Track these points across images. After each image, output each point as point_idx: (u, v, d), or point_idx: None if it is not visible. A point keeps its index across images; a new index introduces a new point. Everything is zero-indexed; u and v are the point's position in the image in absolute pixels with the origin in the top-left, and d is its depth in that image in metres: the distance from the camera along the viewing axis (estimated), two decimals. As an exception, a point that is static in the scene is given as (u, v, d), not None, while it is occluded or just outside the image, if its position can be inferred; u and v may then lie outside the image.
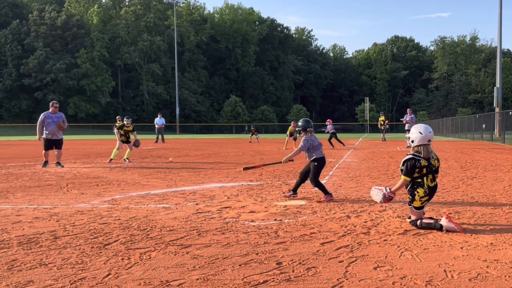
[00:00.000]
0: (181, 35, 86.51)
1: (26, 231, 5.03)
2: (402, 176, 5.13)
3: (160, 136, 29.98)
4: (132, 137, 15.12)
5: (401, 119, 27.16)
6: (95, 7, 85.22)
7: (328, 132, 24.04)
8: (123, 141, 14.98)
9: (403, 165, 5.15)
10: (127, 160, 14.68)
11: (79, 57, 78.64)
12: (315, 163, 7.10)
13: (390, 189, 5.23)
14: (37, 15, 79.47)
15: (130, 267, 3.76)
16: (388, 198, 5.18)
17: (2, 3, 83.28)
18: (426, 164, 5.08)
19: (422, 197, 5.08)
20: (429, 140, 5.16)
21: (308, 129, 7.25)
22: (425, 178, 5.10)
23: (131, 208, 6.48)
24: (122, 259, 3.98)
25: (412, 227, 5.15)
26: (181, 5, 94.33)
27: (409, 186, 5.17)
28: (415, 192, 5.09)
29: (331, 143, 22.81)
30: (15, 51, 77.47)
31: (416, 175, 5.10)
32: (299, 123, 7.41)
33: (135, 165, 13.69)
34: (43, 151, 13.16)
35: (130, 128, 15.14)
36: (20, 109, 77.18)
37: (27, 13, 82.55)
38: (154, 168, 12.54)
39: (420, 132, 5.16)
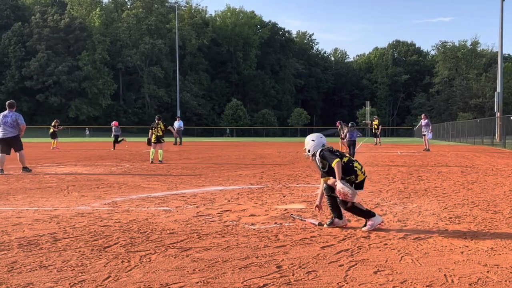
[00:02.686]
0: (183, 38, 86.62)
1: (26, 233, 5.03)
2: (334, 162, 5.12)
3: (178, 139, 32.70)
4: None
5: (415, 128, 27.99)
6: (97, 10, 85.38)
7: (114, 135, 25.72)
8: (155, 142, 15.26)
9: (323, 158, 5.30)
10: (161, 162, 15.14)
11: (80, 60, 78.79)
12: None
13: (338, 182, 5.08)
14: (39, 18, 79.67)
15: (130, 270, 3.76)
16: (341, 192, 5.05)
17: (4, 5, 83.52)
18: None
19: (360, 169, 5.29)
20: (324, 144, 5.43)
21: (350, 128, 16.17)
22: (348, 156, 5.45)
23: (132, 210, 6.48)
24: (122, 261, 3.98)
25: (412, 231, 5.14)
26: (183, 8, 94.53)
27: (345, 169, 5.20)
28: (355, 168, 5.25)
29: (114, 145, 24.89)
30: (18, 53, 77.65)
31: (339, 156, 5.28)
32: (349, 125, 16.16)
33: (136, 168, 13.69)
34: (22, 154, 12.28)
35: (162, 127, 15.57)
36: (21, 111, 76.87)
37: (29, 15, 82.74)
38: (155, 171, 12.54)
39: (312, 140, 5.47)
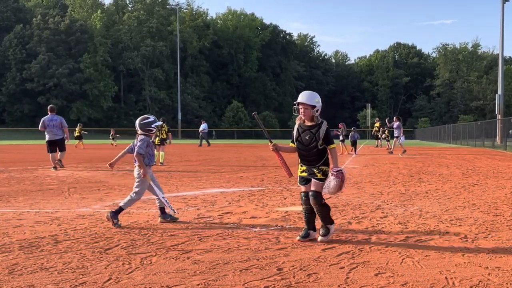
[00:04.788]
0: (184, 41, 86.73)
1: (27, 235, 5.03)
2: (332, 146, 4.79)
3: (204, 141, 33.98)
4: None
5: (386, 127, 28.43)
6: (98, 12, 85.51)
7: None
8: (158, 144, 15.24)
9: (326, 136, 4.78)
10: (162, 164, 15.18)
11: (82, 62, 78.87)
12: None
13: (333, 169, 4.72)
14: (40, 20, 79.78)
15: (131, 272, 3.76)
16: (340, 177, 4.66)
17: (5, 7, 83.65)
18: None
19: None
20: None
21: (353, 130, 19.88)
22: None
23: (132, 212, 6.49)
24: (123, 263, 3.98)
25: (413, 234, 5.13)
26: (184, 10, 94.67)
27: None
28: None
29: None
30: (19, 55, 77.73)
31: None
32: (352, 128, 18.57)
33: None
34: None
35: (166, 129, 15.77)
36: (23, 113, 77.29)
37: (31, 17, 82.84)
38: (155, 173, 12.53)
39: (318, 101, 5.09)
